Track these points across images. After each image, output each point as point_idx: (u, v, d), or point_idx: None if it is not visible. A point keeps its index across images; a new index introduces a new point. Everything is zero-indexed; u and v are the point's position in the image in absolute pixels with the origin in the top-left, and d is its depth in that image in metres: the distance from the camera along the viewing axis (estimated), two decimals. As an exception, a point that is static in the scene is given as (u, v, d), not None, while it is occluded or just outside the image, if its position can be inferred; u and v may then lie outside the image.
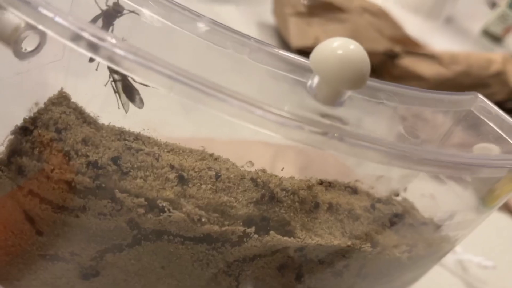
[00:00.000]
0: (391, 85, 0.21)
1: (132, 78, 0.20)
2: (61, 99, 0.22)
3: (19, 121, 0.20)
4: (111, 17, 0.21)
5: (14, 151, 0.19)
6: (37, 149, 0.19)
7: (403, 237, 0.23)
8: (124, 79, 0.20)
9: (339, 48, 0.16)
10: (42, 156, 0.19)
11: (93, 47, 0.15)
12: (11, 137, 0.20)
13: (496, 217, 0.56)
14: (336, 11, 0.61)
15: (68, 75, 0.22)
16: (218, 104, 0.15)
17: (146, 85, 0.21)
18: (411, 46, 0.63)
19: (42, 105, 0.21)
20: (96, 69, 0.21)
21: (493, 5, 1.51)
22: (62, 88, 0.22)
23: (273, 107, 0.15)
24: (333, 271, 0.22)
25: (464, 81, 0.63)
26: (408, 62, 0.63)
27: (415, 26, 0.82)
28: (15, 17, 0.17)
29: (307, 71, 0.20)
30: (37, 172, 0.19)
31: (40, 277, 0.23)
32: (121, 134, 0.21)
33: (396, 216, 0.24)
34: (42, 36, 0.19)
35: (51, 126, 0.20)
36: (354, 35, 0.58)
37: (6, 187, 0.20)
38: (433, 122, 0.27)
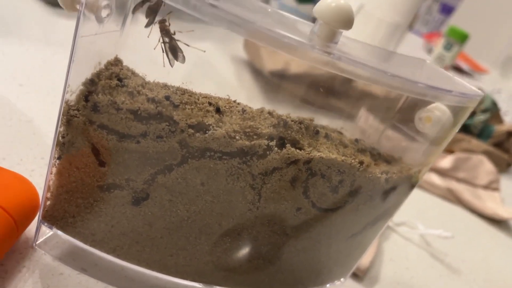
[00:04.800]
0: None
1: (177, 39, 0.27)
2: (117, 61, 0.28)
3: (87, 75, 0.27)
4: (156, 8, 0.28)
5: (90, 91, 0.25)
6: (108, 90, 0.26)
7: (379, 163, 0.30)
8: (171, 40, 0.27)
9: (333, 1, 0.24)
10: (113, 94, 0.25)
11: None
12: (81, 87, 0.26)
13: (450, 206, 0.64)
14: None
15: (122, 44, 0.28)
16: (253, 35, 0.22)
17: (188, 45, 0.28)
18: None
19: (102, 66, 0.28)
20: (148, 37, 0.28)
21: (429, 50, 1.70)
22: (117, 54, 0.28)
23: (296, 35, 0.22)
24: (331, 186, 0.28)
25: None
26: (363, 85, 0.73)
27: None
28: (96, -9, 0.24)
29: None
30: (109, 106, 0.25)
31: (95, 209, 0.28)
32: (165, 86, 0.28)
33: (374, 149, 0.31)
34: (111, 8, 0.26)
35: (113, 78, 0.27)
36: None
37: (79, 124, 0.26)
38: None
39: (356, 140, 0.31)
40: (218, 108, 0.26)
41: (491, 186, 0.76)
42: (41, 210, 0.30)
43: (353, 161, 0.28)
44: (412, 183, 0.33)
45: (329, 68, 0.24)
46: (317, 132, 0.28)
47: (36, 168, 0.38)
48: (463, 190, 0.71)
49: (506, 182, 0.85)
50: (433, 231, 0.52)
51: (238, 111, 0.27)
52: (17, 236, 0.29)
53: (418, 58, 0.33)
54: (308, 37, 0.25)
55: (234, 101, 0.28)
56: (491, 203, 0.72)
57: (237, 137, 0.26)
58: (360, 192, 0.30)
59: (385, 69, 0.25)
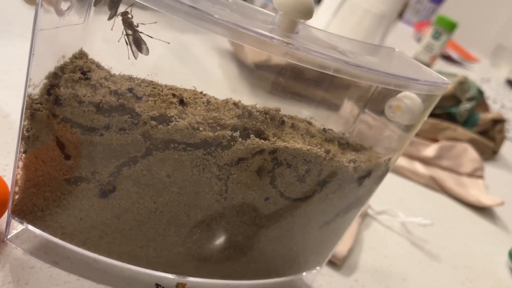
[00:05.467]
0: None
1: (141, 31, 0.27)
2: (82, 55, 0.28)
3: (51, 69, 0.27)
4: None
5: (52, 85, 0.25)
6: (70, 84, 0.26)
7: (347, 153, 0.30)
8: (134, 32, 0.27)
9: (292, -9, 0.24)
10: (75, 87, 0.25)
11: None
12: (45, 81, 0.26)
13: (433, 194, 0.65)
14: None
15: (86, 37, 0.28)
16: (212, 26, 0.22)
17: (151, 37, 0.27)
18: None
19: (67, 59, 0.28)
20: (112, 29, 0.28)
21: (419, 39, 1.70)
22: (82, 48, 0.28)
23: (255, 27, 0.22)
24: (298, 176, 0.28)
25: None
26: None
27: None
28: (55, -17, 0.24)
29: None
30: (71, 99, 0.25)
31: (63, 202, 0.28)
32: (130, 79, 0.28)
33: (342, 138, 0.31)
34: (72, 0, 0.26)
35: (77, 71, 0.27)
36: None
37: (43, 118, 0.26)
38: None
39: (324, 130, 0.31)
40: (181, 100, 0.26)
41: (476, 174, 0.76)
42: (11, 205, 0.30)
43: (318, 150, 0.28)
44: (383, 170, 0.33)
45: (288, 58, 0.24)
46: (283, 122, 0.28)
47: (10, 162, 0.38)
48: (447, 178, 0.72)
49: (492, 169, 0.86)
50: (413, 219, 0.53)
51: (203, 102, 0.27)
52: (-14, 231, 0.29)
53: (387, 47, 0.33)
54: (269, 28, 0.25)
55: (201, 93, 0.28)
56: (474, 190, 0.72)
57: (200, 128, 0.26)
58: (328, 181, 0.30)
59: (348, 59, 0.25)
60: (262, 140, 0.27)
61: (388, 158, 0.32)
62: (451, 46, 1.83)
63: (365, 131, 0.35)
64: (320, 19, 1.05)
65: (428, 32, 1.41)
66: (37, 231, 0.30)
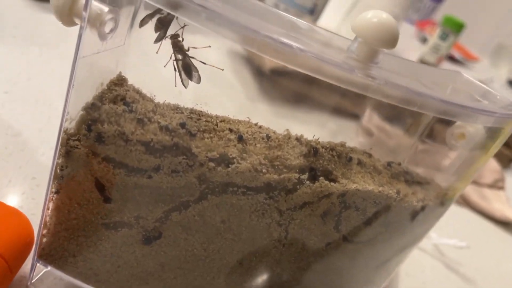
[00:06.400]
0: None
1: (192, 56, 0.23)
2: (121, 81, 0.25)
3: (88, 99, 0.23)
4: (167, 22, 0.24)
5: (94, 119, 0.22)
6: (114, 118, 0.22)
7: (415, 190, 0.27)
8: (184, 57, 0.24)
9: (374, 16, 0.21)
10: (120, 123, 0.22)
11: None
12: (82, 112, 0.23)
13: (459, 210, 0.62)
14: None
15: (125, 60, 0.25)
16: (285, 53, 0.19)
17: (204, 63, 0.24)
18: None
19: (105, 86, 0.24)
20: (157, 52, 0.24)
21: (422, 39, 1.68)
22: (120, 72, 0.25)
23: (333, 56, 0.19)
24: (365, 218, 0.25)
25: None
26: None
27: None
28: (98, 3, 0.21)
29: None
30: (116, 137, 0.22)
31: (99, 248, 0.25)
32: (177, 109, 0.24)
33: (407, 173, 0.28)
34: (116, 21, 0.22)
35: (119, 101, 0.23)
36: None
37: (80, 157, 0.23)
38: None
39: (389, 164, 0.28)
40: (240, 136, 0.23)
41: (497, 185, 0.74)
42: (36, 248, 0.26)
43: (390, 191, 0.25)
44: (445, 207, 0.30)
45: (370, 93, 0.21)
46: (350, 159, 0.25)
47: (27, 190, 0.34)
48: (471, 191, 0.69)
49: (508, 178, 0.84)
50: (448, 241, 0.50)
51: (262, 138, 0.24)
52: (10, 279, 0.25)
53: (452, 71, 0.30)
54: (345, 56, 0.22)
55: (256, 124, 0.25)
56: (497, 203, 0.70)
57: (263, 170, 0.22)
58: (394, 221, 0.27)
59: (441, 96, 0.21)
60: (331, 183, 0.23)
61: (452, 194, 0.29)
62: (453, 46, 1.81)
63: (419, 161, 0.32)
64: (330, 20, 1.02)
65: (435, 32, 1.38)
66: (66, 276, 0.27)
